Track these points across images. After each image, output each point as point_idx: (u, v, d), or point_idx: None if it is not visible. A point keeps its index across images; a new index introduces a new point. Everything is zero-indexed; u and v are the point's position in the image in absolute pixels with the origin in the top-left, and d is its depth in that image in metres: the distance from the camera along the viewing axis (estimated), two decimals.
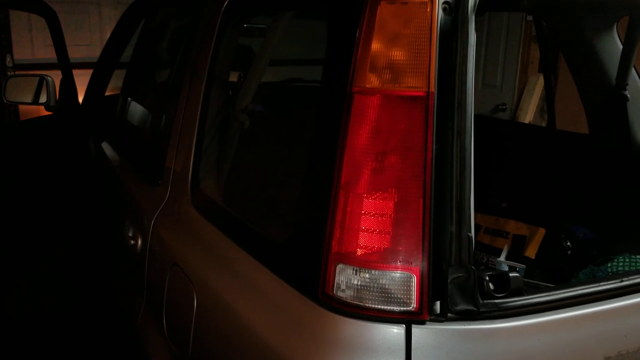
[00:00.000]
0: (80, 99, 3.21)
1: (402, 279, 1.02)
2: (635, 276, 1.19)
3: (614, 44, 2.15)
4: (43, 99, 2.84)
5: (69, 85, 3.11)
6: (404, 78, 1.03)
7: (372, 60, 1.04)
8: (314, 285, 1.08)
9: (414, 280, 1.01)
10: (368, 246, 1.03)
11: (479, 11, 1.05)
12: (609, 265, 1.72)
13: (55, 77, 2.94)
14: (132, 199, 2.16)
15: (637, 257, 1.71)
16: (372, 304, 1.03)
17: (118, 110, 2.77)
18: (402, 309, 1.02)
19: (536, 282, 1.81)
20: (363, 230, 1.03)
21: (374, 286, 1.03)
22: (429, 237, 1.01)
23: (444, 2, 1.03)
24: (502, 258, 1.99)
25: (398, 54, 1.03)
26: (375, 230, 1.03)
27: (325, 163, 1.09)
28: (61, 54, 3.13)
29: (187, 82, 1.83)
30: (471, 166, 1.03)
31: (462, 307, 1.03)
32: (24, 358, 2.77)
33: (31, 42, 5.11)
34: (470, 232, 1.02)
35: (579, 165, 2.27)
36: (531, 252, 2.09)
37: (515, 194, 2.38)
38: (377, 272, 1.03)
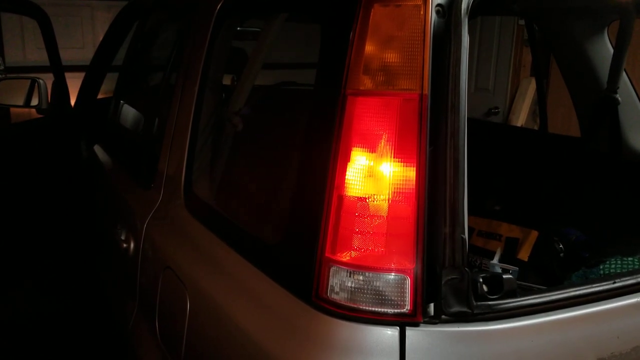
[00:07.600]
0: (73, 102, 3.19)
1: (395, 281, 1.02)
2: (627, 278, 1.20)
3: (605, 48, 2.17)
4: (35, 101, 2.83)
5: (61, 88, 3.10)
6: (398, 80, 1.03)
7: (366, 63, 1.05)
8: (308, 288, 1.08)
9: (408, 282, 1.01)
10: (362, 248, 1.03)
11: (472, 14, 1.05)
12: (601, 267, 1.72)
13: (47, 79, 2.93)
14: (124, 202, 2.15)
15: (629, 258, 1.72)
16: (366, 306, 1.03)
17: (111, 113, 2.77)
18: (396, 311, 1.02)
19: (529, 284, 1.81)
20: (357, 232, 1.03)
21: (367, 288, 1.03)
22: (423, 239, 1.01)
23: (437, 5, 1.03)
24: (495, 261, 1.99)
25: (391, 56, 1.04)
26: (369, 232, 1.03)
27: (319, 165, 1.09)
28: (53, 56, 3.11)
29: (180, 85, 1.83)
30: (465, 168, 1.03)
31: (456, 309, 1.03)
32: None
33: (23, 45, 5.08)
34: (464, 233, 1.02)
35: (571, 168, 2.28)
36: (524, 254, 2.09)
37: (508, 197, 2.39)
38: (370, 274, 1.03)
